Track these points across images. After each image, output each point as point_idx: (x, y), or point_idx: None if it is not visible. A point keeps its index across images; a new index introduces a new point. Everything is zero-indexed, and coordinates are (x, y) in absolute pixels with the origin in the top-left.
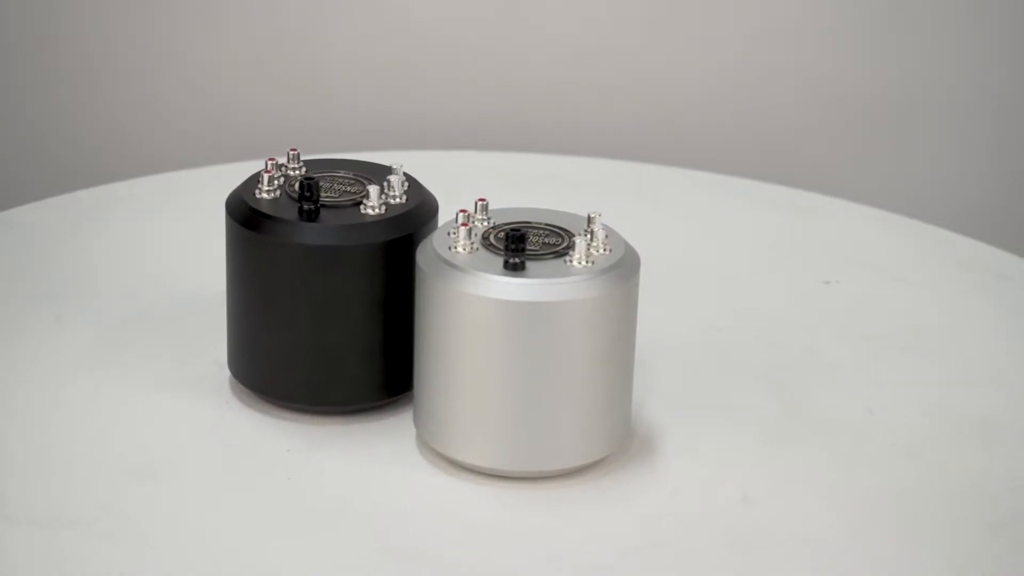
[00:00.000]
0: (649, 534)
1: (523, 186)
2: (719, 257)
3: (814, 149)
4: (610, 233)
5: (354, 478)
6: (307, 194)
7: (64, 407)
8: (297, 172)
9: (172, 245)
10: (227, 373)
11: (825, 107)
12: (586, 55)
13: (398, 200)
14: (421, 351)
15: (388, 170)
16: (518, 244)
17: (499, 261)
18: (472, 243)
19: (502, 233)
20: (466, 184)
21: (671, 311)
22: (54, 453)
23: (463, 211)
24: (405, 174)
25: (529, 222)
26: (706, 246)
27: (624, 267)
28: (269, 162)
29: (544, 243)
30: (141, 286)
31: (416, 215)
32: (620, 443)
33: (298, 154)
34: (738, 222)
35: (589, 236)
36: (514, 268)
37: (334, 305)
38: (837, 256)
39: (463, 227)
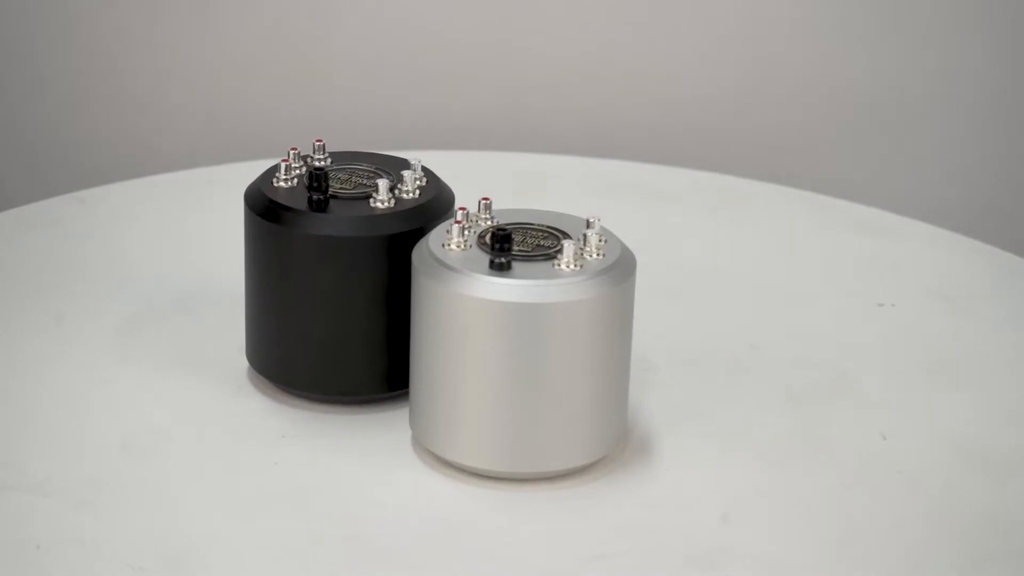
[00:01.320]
0: (613, 544)
1: (546, 186)
2: (773, 270)
3: (815, 149)
4: (608, 238)
5: (339, 469)
6: (315, 184)
7: (83, 383)
8: (321, 163)
9: (204, 238)
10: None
11: (830, 107)
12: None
13: (410, 195)
14: (414, 348)
15: (409, 165)
16: (504, 244)
17: (488, 260)
18: (466, 241)
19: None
20: (481, 183)
21: (709, 320)
22: (64, 423)
23: (462, 209)
24: (424, 169)
25: (531, 224)
26: (773, 261)
27: (615, 271)
28: (291, 151)
29: (538, 245)
30: (173, 275)
31: (426, 210)
32: (608, 449)
33: (323, 145)
34: (804, 238)
35: (582, 240)
36: (500, 268)
37: (336, 296)
38: (904, 279)
39: (456, 225)
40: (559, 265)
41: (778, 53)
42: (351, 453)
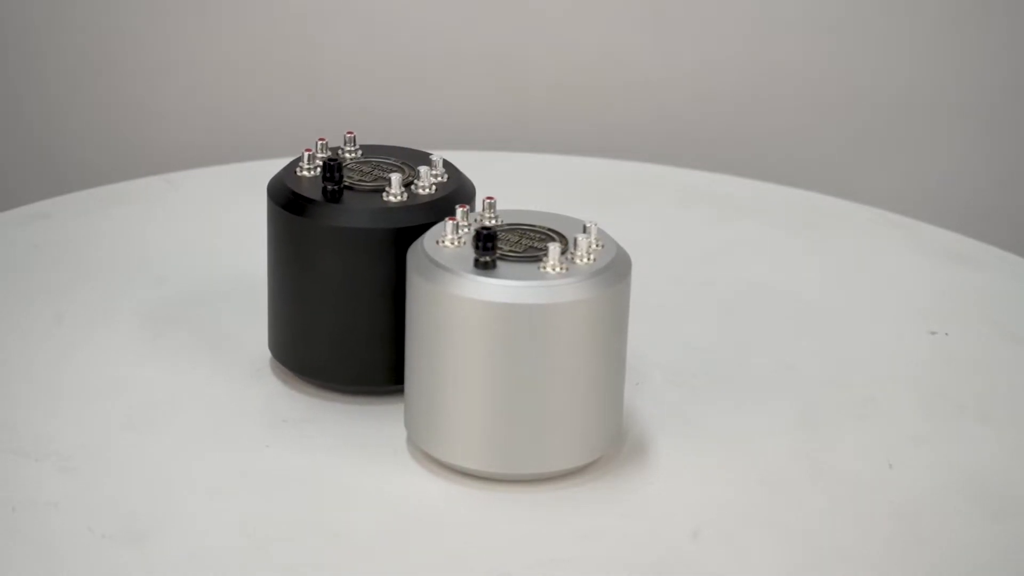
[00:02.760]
0: (568, 550)
1: (574, 188)
2: (831, 289)
3: (816, 150)
4: (606, 242)
5: (326, 457)
6: (328, 174)
7: (103, 363)
8: (351, 155)
9: (233, 232)
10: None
11: (831, 107)
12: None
13: (426, 190)
14: (406, 345)
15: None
16: (488, 243)
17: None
18: (460, 239)
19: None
20: (504, 183)
21: (749, 335)
22: (76, 395)
23: (463, 206)
24: (448, 165)
25: (533, 225)
26: (833, 279)
27: (602, 275)
28: (319, 142)
29: (531, 246)
30: (211, 265)
31: (438, 206)
32: (595, 453)
33: (354, 137)
34: (871, 257)
35: (573, 242)
36: (484, 267)
37: (340, 286)
38: (969, 308)
39: (450, 222)
40: (544, 267)
41: (780, 53)
42: (345, 443)
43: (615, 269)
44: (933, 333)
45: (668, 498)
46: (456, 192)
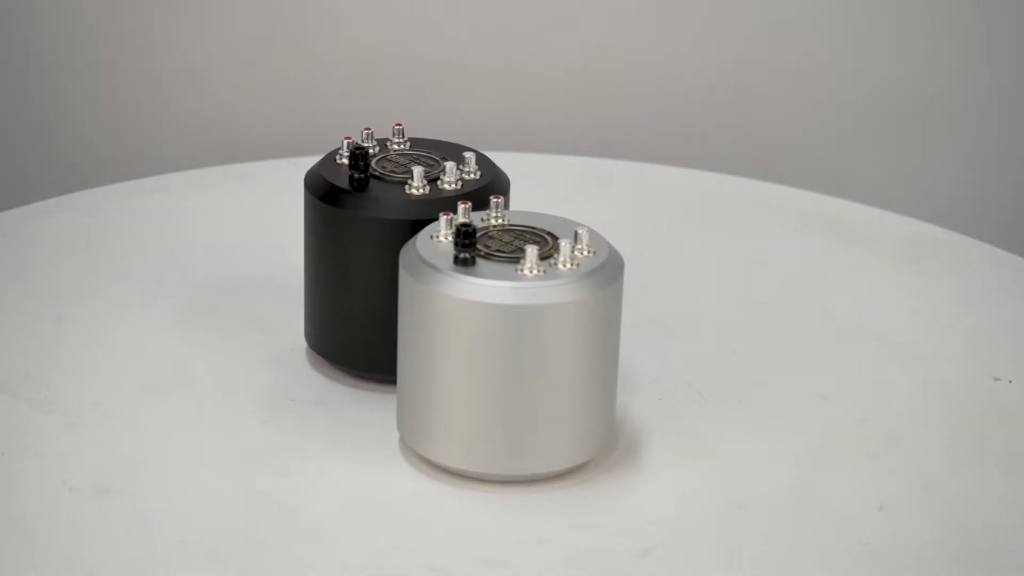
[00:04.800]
0: (505, 552)
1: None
2: (905, 324)
3: (817, 150)
4: (598, 247)
5: (316, 440)
6: (354, 163)
7: (134, 337)
8: (398, 148)
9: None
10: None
11: (831, 107)
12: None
13: (451, 185)
14: (398, 340)
15: (479, 157)
16: (467, 240)
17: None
18: (452, 236)
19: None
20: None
21: (795, 363)
22: (105, 360)
23: (464, 203)
24: (482, 162)
25: (533, 227)
26: (910, 314)
27: (581, 281)
28: (364, 131)
29: (520, 248)
30: (261, 255)
31: (455, 201)
32: (584, 455)
33: (402, 129)
34: (963, 292)
35: (556, 246)
36: (464, 263)
37: (360, 274)
38: None
39: (444, 218)
40: (521, 269)
41: (780, 53)
42: (342, 430)
43: (600, 273)
44: (997, 380)
45: (634, 511)
46: (483, 189)
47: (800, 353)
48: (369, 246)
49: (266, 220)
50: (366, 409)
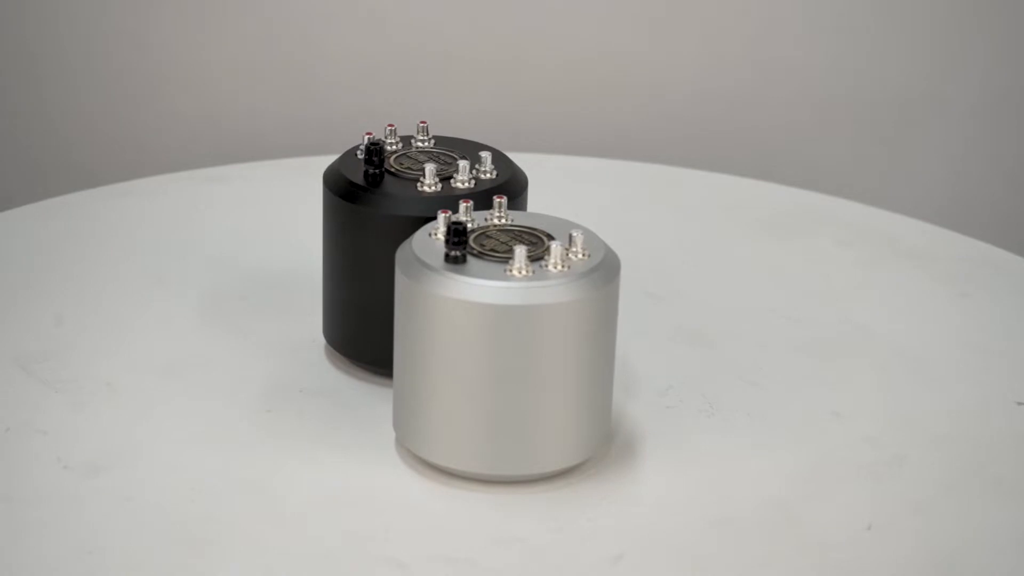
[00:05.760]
0: (470, 551)
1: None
2: (932, 343)
3: (817, 150)
4: (592, 250)
5: (312, 431)
6: (368, 157)
7: (155, 324)
8: (422, 145)
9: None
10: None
11: (830, 108)
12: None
13: (464, 184)
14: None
15: (497, 156)
16: (457, 238)
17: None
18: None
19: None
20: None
21: (809, 377)
22: (128, 344)
23: (466, 201)
24: (502, 160)
25: (533, 228)
26: (956, 338)
27: (565, 284)
28: (388, 128)
29: (511, 248)
30: (282, 252)
31: (462, 199)
32: (573, 458)
33: (427, 127)
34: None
35: (547, 247)
36: (454, 261)
37: (370, 268)
38: None
39: (442, 215)
40: (509, 270)
41: (780, 53)
42: (342, 421)
43: (591, 276)
44: (1020, 404)
45: (613, 517)
46: (497, 188)
47: (824, 369)
48: (379, 241)
49: (299, 214)
50: (372, 403)
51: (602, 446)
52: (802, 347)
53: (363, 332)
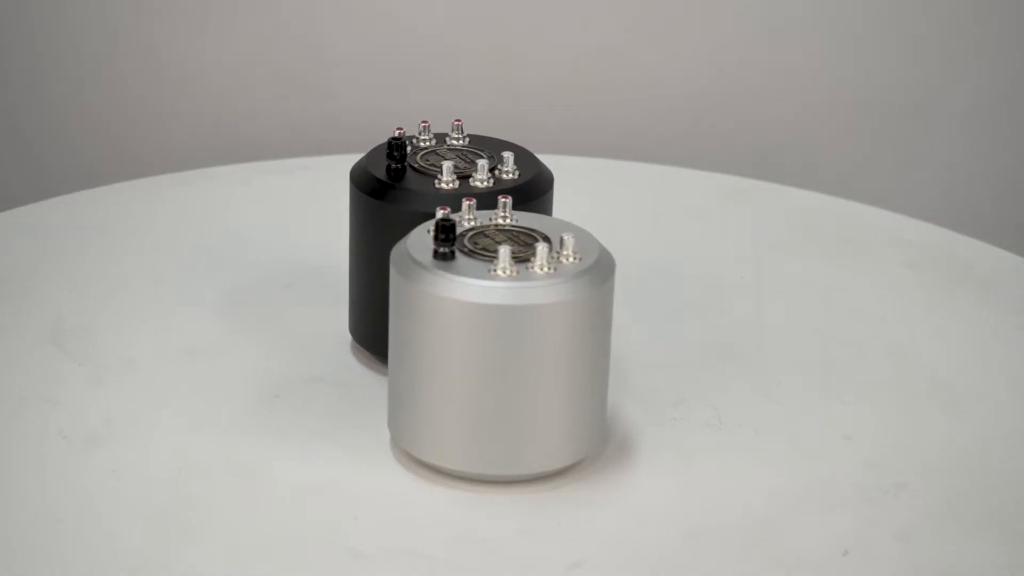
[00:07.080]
0: (434, 549)
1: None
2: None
3: (816, 150)
4: (583, 253)
5: (314, 422)
6: (390, 152)
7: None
8: (457, 142)
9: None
10: None
11: (829, 109)
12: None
13: (483, 183)
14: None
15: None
16: (444, 235)
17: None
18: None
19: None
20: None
21: (822, 389)
22: (152, 329)
23: (469, 200)
24: (523, 161)
25: (533, 229)
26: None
27: (546, 286)
28: (422, 124)
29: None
30: (298, 252)
31: (488, 198)
32: (559, 461)
33: (461, 125)
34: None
35: (533, 248)
36: (442, 258)
37: (383, 262)
38: None
39: (440, 211)
40: (494, 269)
41: (779, 54)
42: (347, 413)
43: (579, 279)
44: None
45: (586, 523)
46: (517, 187)
47: (846, 391)
48: (395, 236)
49: (338, 210)
50: (384, 397)
51: (592, 450)
52: (831, 367)
53: (385, 327)
